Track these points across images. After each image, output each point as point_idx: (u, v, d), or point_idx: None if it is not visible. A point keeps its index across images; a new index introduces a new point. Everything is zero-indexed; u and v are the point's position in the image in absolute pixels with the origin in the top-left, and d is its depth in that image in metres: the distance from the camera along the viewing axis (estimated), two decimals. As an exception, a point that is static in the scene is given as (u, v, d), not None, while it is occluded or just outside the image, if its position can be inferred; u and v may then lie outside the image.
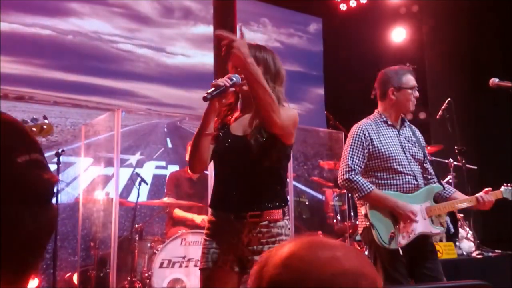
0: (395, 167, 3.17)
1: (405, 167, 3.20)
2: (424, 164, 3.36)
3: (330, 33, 8.95)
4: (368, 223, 3.11)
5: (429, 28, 7.99)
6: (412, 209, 3.09)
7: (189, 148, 5.34)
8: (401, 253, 3.04)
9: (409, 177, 3.20)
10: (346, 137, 6.00)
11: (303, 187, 7.44)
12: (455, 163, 5.62)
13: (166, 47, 7.46)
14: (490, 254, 5.23)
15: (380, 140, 3.21)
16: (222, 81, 2.25)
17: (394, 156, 3.18)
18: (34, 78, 6.18)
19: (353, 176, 3.11)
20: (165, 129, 7.30)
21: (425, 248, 3.23)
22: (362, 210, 3.17)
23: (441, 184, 3.37)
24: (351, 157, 3.16)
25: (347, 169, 3.14)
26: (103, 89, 6.68)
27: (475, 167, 5.87)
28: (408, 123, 3.43)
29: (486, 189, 3.33)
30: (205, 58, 7.53)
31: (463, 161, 5.58)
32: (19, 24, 6.18)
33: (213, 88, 2.23)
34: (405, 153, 3.23)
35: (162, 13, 7.52)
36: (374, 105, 5.49)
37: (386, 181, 3.18)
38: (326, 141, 7.31)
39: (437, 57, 7.77)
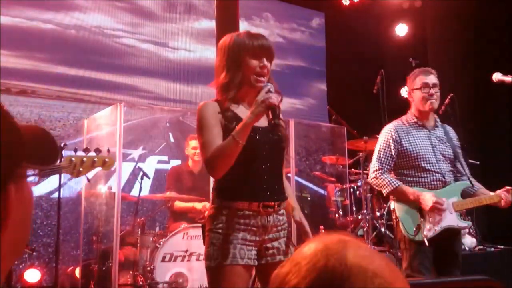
0: (423, 165, 3.34)
1: (432, 165, 3.35)
2: (456, 163, 3.49)
3: (332, 28, 8.93)
4: (396, 218, 3.31)
5: (432, 24, 7.97)
6: (434, 198, 3.21)
7: (191, 143, 5.38)
8: (426, 243, 3.18)
9: (437, 174, 3.35)
10: (348, 132, 6.03)
11: (305, 182, 7.44)
12: (458, 158, 5.61)
13: (168, 41, 7.46)
14: (492, 249, 5.24)
15: (409, 140, 3.39)
16: (276, 100, 2.23)
17: (422, 154, 3.35)
18: (37, 72, 6.18)
19: (380, 174, 3.35)
20: (167, 124, 7.31)
21: (450, 246, 3.34)
22: (391, 206, 3.40)
23: (470, 181, 3.46)
24: (379, 158, 3.41)
25: (375, 168, 3.40)
26: (105, 84, 6.68)
27: (477, 163, 5.87)
28: (440, 123, 3.55)
29: (508, 187, 3.39)
30: (208, 53, 7.52)
31: (466, 157, 5.57)
32: (21, 18, 6.18)
33: (274, 109, 2.22)
34: (434, 152, 3.38)
35: (164, 8, 7.51)
36: (376, 100, 5.50)
37: (414, 179, 3.36)
38: (328, 136, 7.30)
39: (440, 52, 7.75)
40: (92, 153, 2.87)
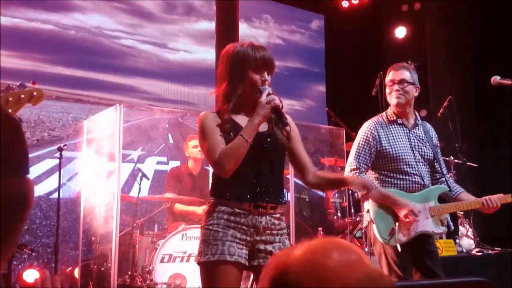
0: (402, 167, 3.22)
1: (412, 167, 3.23)
2: (435, 164, 3.38)
3: (332, 30, 8.96)
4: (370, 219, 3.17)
5: (431, 26, 7.99)
6: (411, 207, 3.11)
7: (190, 143, 5.39)
8: (399, 249, 3.07)
9: (416, 177, 3.24)
10: (347, 134, 6.04)
11: (303, 184, 7.45)
12: (456, 160, 5.63)
13: (168, 43, 7.47)
14: (489, 251, 5.24)
15: (389, 140, 3.25)
16: (279, 101, 2.38)
17: (402, 156, 3.22)
18: (36, 73, 6.19)
19: (357, 174, 3.17)
20: (167, 125, 7.32)
21: (426, 246, 3.25)
22: (365, 206, 3.24)
23: (447, 185, 3.36)
24: (357, 156, 3.24)
25: (352, 167, 3.22)
26: (105, 85, 6.69)
27: (476, 165, 5.88)
28: (421, 121, 3.43)
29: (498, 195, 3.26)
30: (207, 54, 7.54)
31: (464, 159, 5.59)
32: (21, 18, 6.19)
33: (278, 110, 2.38)
34: (413, 153, 3.26)
35: (164, 9, 7.52)
36: (375, 102, 5.51)
37: (392, 180, 3.23)
38: (327, 138, 7.31)
39: (439, 54, 7.77)
40: (17, 89, 2.52)
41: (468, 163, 5.64)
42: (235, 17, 6.38)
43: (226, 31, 6.49)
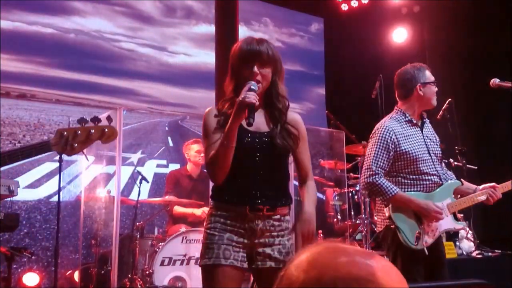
0: (422, 168, 3.18)
1: (430, 168, 3.21)
2: (442, 161, 3.38)
3: (331, 33, 8.96)
4: (392, 225, 3.09)
5: (430, 29, 8.00)
6: (435, 207, 3.10)
7: (193, 147, 5.39)
8: (426, 252, 3.06)
9: (435, 177, 3.21)
10: (347, 136, 6.04)
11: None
12: (456, 163, 5.63)
13: (168, 46, 7.48)
14: (489, 254, 5.25)
15: (406, 141, 3.18)
16: (253, 98, 2.20)
17: (420, 157, 3.17)
18: (36, 76, 6.20)
19: (376, 179, 3.10)
20: (167, 128, 7.33)
21: (441, 252, 3.25)
22: (385, 212, 3.15)
23: (459, 179, 3.37)
24: (375, 160, 3.14)
25: (370, 173, 3.13)
26: (105, 88, 6.70)
27: (475, 167, 5.88)
28: (427, 120, 3.40)
29: (493, 184, 3.35)
30: (207, 57, 7.54)
31: (464, 161, 5.59)
32: (21, 22, 6.20)
33: (250, 110, 2.20)
34: (429, 153, 3.23)
35: (164, 12, 7.54)
36: (374, 104, 5.52)
37: (412, 182, 3.18)
38: (327, 140, 7.32)
39: (438, 57, 7.77)
40: (89, 123, 2.36)
41: (467, 166, 5.64)
42: (235, 20, 6.37)
43: (225, 34, 6.48)
